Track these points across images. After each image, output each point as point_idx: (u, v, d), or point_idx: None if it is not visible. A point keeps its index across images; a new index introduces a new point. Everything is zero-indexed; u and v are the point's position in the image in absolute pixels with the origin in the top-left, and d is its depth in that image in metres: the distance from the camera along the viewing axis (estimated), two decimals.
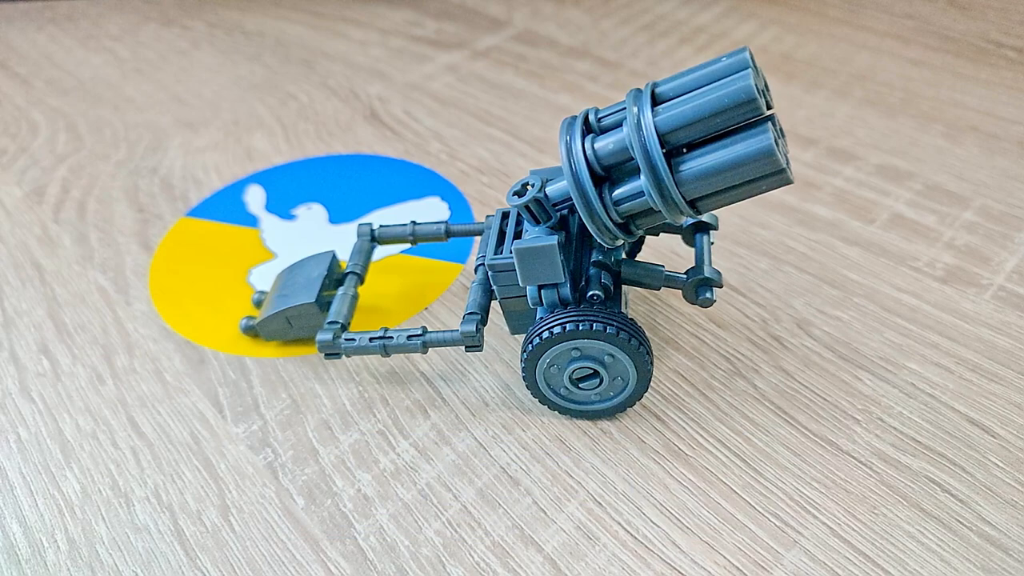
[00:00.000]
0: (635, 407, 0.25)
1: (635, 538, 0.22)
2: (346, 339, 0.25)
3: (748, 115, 0.19)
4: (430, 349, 0.26)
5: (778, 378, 0.26)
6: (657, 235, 0.28)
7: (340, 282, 0.28)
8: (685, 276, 0.24)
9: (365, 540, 0.22)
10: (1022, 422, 0.24)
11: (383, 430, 0.25)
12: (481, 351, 0.25)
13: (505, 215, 0.26)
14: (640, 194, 0.21)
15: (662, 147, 0.20)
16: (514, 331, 0.26)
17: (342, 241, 0.34)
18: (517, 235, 0.24)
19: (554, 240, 0.22)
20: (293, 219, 0.35)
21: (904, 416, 0.24)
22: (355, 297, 0.27)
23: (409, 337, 0.25)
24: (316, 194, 0.36)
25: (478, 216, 0.34)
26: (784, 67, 0.43)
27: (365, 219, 0.35)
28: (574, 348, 0.23)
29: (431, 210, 0.35)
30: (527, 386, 0.24)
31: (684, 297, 0.24)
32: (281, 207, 0.35)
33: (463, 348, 0.25)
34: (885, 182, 0.34)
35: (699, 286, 0.24)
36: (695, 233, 0.26)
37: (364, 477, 0.24)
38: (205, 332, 0.29)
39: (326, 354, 0.26)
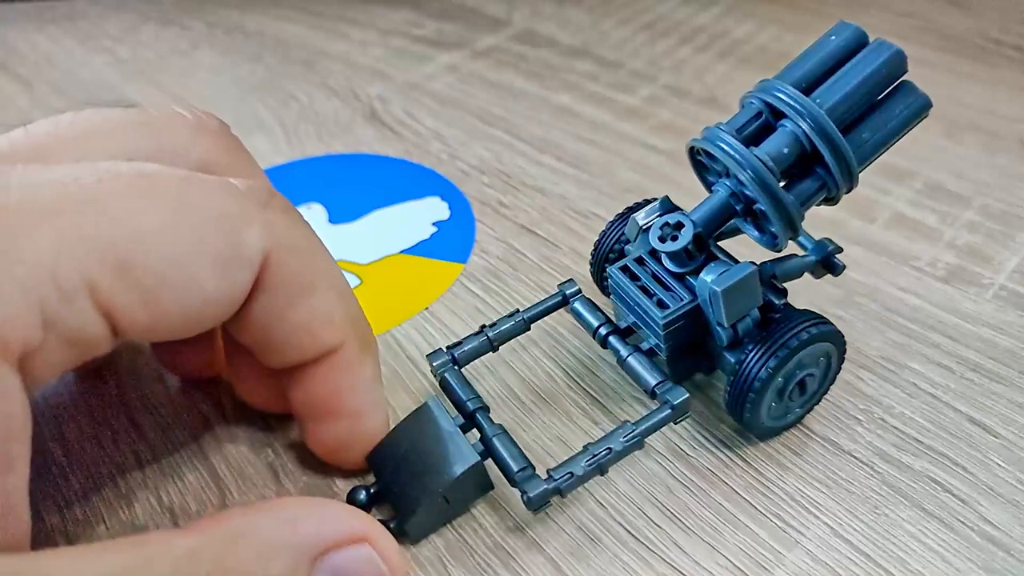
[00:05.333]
0: (636, 407, 0.25)
1: (637, 539, 0.22)
2: (558, 478, 0.21)
3: (901, 72, 0.21)
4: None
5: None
6: None
7: (470, 424, 0.23)
8: (814, 256, 0.24)
9: None
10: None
11: None
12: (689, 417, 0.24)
13: (624, 269, 0.24)
14: (822, 185, 0.21)
15: None
16: (680, 378, 0.24)
17: (342, 241, 0.33)
18: (660, 283, 0.23)
19: (752, 267, 0.21)
20: None
21: (906, 416, 0.24)
22: (502, 427, 0.23)
23: (624, 443, 0.21)
24: (316, 194, 0.36)
25: (478, 215, 0.34)
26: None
27: (365, 219, 0.35)
28: (798, 361, 0.22)
29: (431, 210, 0.35)
30: (749, 425, 0.23)
31: (816, 274, 0.25)
32: None
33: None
34: (886, 181, 0.34)
35: (831, 258, 0.24)
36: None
37: (366, 478, 0.24)
38: None
39: (538, 508, 0.21)
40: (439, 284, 0.31)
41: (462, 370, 0.25)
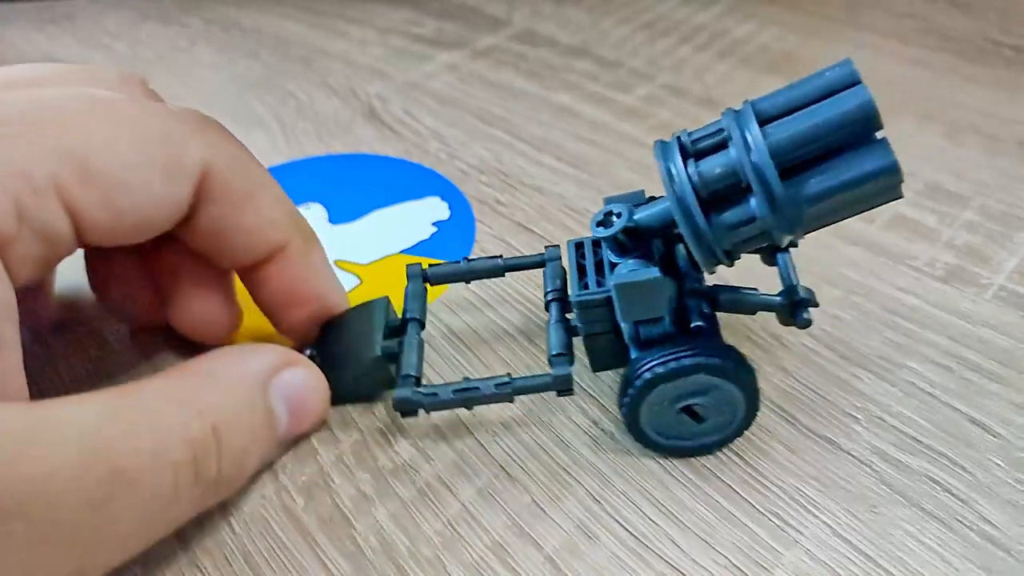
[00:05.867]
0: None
1: (634, 536, 0.22)
2: (426, 394, 0.23)
3: (867, 129, 0.19)
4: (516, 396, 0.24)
5: (778, 377, 0.26)
6: (739, 257, 0.27)
7: (400, 330, 0.26)
8: (780, 298, 0.23)
9: (364, 539, 0.22)
10: (1022, 421, 0.24)
11: (382, 428, 0.25)
12: (573, 395, 0.24)
13: (578, 246, 0.25)
14: (752, 219, 0.20)
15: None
16: (597, 368, 0.25)
17: (342, 242, 0.33)
18: (598, 267, 0.23)
19: (657, 273, 0.21)
20: None
21: (904, 415, 0.24)
22: (422, 345, 0.25)
23: (497, 386, 0.23)
24: (315, 194, 0.36)
25: (478, 214, 0.34)
26: (785, 67, 0.43)
27: (365, 219, 0.35)
28: (684, 384, 0.22)
29: (431, 210, 0.35)
30: (629, 429, 0.23)
31: (779, 320, 0.23)
32: None
33: (554, 394, 0.24)
34: None
35: (796, 307, 0.23)
36: (775, 252, 0.24)
37: (363, 476, 0.24)
38: None
39: (404, 413, 0.24)
40: (439, 284, 0.31)
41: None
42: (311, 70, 0.47)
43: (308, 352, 0.25)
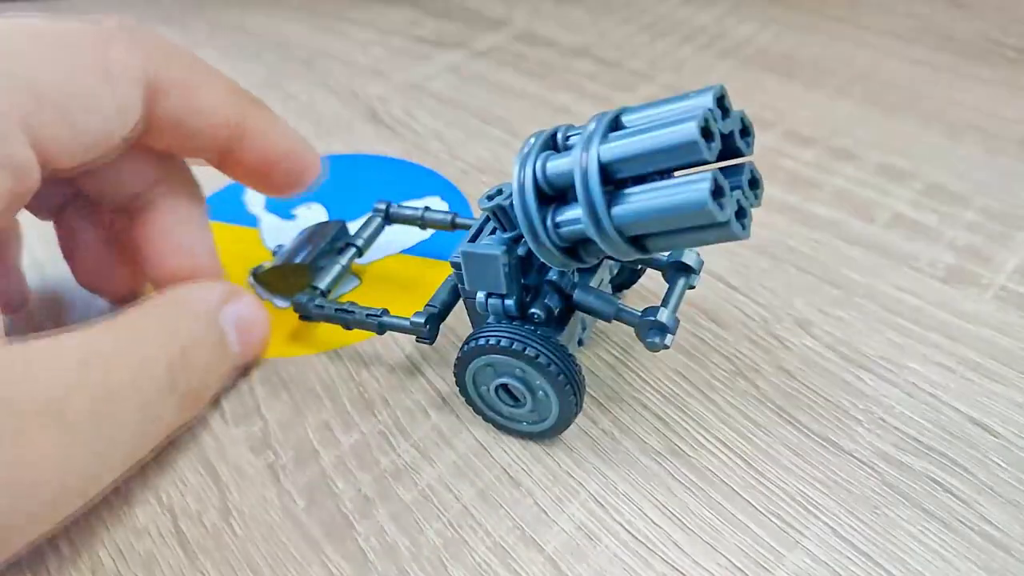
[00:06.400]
0: (636, 407, 0.25)
1: (636, 538, 0.22)
2: (316, 305, 0.27)
3: (691, 159, 0.18)
4: (389, 333, 0.27)
5: (779, 378, 0.26)
6: (637, 267, 0.27)
7: (340, 252, 0.29)
8: (640, 314, 0.22)
9: (366, 541, 0.22)
10: (1023, 421, 0.24)
11: (384, 431, 0.25)
12: (431, 344, 0.26)
13: (494, 215, 0.25)
14: (578, 221, 0.20)
15: (608, 177, 0.19)
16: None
17: None
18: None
19: (500, 251, 0.21)
20: (293, 219, 0.35)
21: (906, 416, 0.24)
22: (345, 268, 0.29)
23: (368, 316, 0.26)
24: (316, 194, 0.36)
25: (478, 214, 0.34)
26: (784, 66, 0.43)
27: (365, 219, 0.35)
28: (501, 364, 0.23)
29: None
30: (458, 387, 0.24)
31: (636, 335, 0.23)
32: (281, 207, 0.35)
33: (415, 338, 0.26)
34: (886, 181, 0.34)
35: (650, 328, 0.22)
36: (674, 272, 0.24)
37: (365, 478, 0.24)
38: None
39: (300, 316, 0.28)
40: (439, 284, 0.31)
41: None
42: (312, 71, 0.47)
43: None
